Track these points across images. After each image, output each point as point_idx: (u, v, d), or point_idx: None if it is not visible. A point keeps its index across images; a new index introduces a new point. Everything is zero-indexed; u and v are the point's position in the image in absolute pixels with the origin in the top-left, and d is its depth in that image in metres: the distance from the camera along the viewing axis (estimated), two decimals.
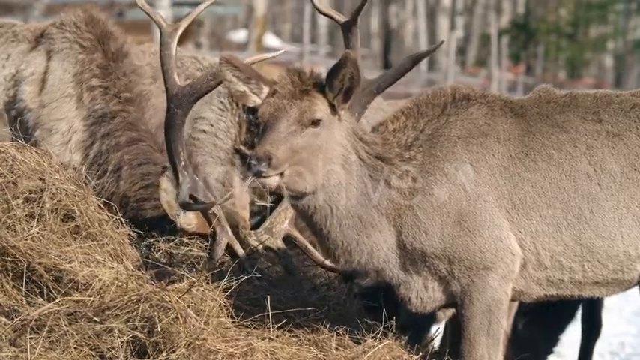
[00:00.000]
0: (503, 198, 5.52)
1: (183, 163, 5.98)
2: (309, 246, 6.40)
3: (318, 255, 6.33)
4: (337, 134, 5.48)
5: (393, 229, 5.53)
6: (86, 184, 6.01)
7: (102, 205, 5.91)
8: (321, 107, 5.43)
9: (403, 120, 5.67)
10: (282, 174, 5.31)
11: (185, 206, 6.01)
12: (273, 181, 5.30)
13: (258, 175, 5.27)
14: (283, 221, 6.44)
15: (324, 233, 5.54)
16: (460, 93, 5.71)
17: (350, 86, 5.43)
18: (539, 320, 6.90)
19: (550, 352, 7.39)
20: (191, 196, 5.96)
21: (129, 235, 6.03)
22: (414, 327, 6.06)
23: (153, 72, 7.21)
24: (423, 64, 44.96)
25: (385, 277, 5.61)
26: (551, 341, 7.34)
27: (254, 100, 5.52)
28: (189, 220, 6.32)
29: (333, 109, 5.46)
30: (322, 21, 41.18)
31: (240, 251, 6.23)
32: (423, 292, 5.59)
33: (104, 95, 6.72)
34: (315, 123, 5.39)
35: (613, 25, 51.83)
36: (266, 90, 5.50)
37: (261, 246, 6.38)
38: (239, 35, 42.33)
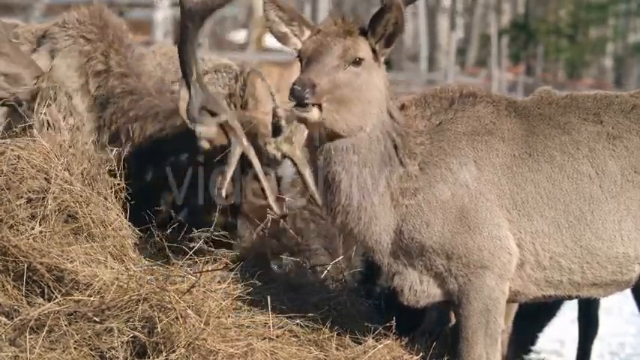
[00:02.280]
0: (505, 197, 5.53)
1: (194, 77, 6.13)
2: (308, 170, 6.37)
3: (313, 185, 6.29)
4: (377, 79, 5.47)
5: (393, 211, 5.52)
6: (110, 171, 6.06)
7: (109, 205, 5.90)
8: (363, 47, 5.43)
9: (413, 109, 5.67)
10: (321, 107, 5.30)
11: (196, 119, 6.09)
12: (314, 114, 5.30)
13: (301, 100, 5.25)
14: (303, 131, 6.43)
15: (335, 183, 5.48)
16: (467, 90, 5.72)
17: (393, 32, 5.44)
18: (517, 319, 6.91)
19: (529, 350, 7.40)
20: (204, 108, 6.03)
21: (131, 235, 6.03)
22: (439, 328, 6.07)
23: (162, 72, 7.22)
24: (423, 64, 45.09)
25: (375, 258, 5.60)
26: (529, 340, 7.33)
27: (295, 42, 5.54)
28: (208, 129, 6.31)
29: (374, 53, 5.46)
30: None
31: (255, 161, 6.27)
32: (417, 285, 5.58)
33: (107, 77, 6.73)
34: (358, 62, 5.40)
35: (613, 27, 51.84)
36: (308, 33, 5.52)
37: (279, 154, 6.38)
38: (239, 35, 42.33)
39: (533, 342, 7.45)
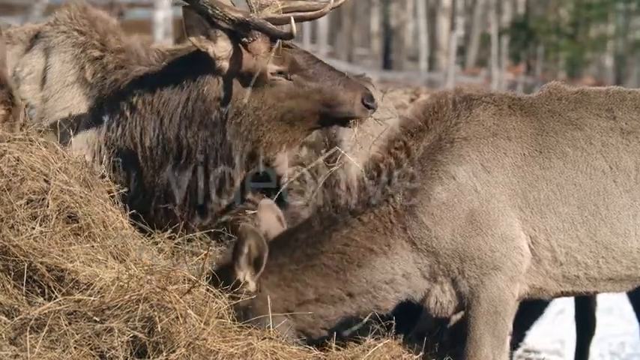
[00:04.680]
0: (517, 197, 5.52)
1: None
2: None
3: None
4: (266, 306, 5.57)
5: (405, 245, 5.53)
6: (103, 176, 6.03)
7: (109, 206, 5.90)
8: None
9: (410, 143, 5.65)
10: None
11: None
12: None
13: None
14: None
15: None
16: (461, 95, 5.69)
17: (258, 255, 5.51)
18: None
19: (516, 347, 7.40)
20: None
21: (132, 234, 6.02)
22: (430, 333, 6.07)
23: None
24: (423, 64, 45.10)
25: (419, 291, 5.63)
26: (517, 338, 7.33)
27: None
28: (221, 46, 6.25)
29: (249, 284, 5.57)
30: (322, 21, 41.20)
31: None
32: (441, 297, 5.59)
33: (103, 58, 6.68)
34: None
35: (613, 25, 51.83)
36: None
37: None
38: None
39: (521, 340, 7.46)
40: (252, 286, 5.56)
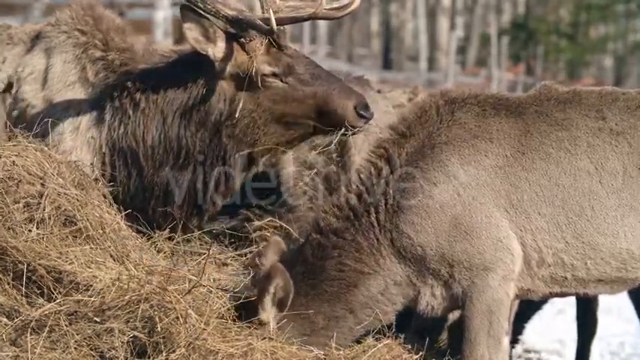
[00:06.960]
0: (501, 198, 5.51)
1: None
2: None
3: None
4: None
5: (387, 268, 5.55)
6: (96, 179, 6.03)
7: (106, 208, 5.90)
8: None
9: (393, 150, 5.64)
10: None
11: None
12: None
13: None
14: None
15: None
16: (445, 99, 5.68)
17: (284, 296, 5.49)
18: None
19: (516, 340, 7.40)
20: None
21: (130, 235, 6.02)
22: (429, 331, 6.08)
23: None
24: (423, 64, 45.10)
25: (411, 298, 5.63)
26: (516, 331, 7.33)
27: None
28: (220, 47, 6.22)
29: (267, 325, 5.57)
30: (322, 21, 41.19)
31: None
32: (432, 301, 5.60)
33: (106, 58, 6.66)
34: None
35: (613, 26, 51.84)
36: None
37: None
38: None
39: (520, 332, 7.47)
40: (273, 325, 5.55)
